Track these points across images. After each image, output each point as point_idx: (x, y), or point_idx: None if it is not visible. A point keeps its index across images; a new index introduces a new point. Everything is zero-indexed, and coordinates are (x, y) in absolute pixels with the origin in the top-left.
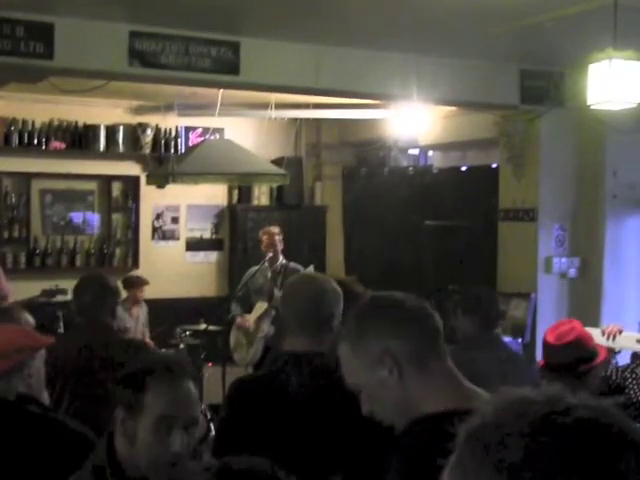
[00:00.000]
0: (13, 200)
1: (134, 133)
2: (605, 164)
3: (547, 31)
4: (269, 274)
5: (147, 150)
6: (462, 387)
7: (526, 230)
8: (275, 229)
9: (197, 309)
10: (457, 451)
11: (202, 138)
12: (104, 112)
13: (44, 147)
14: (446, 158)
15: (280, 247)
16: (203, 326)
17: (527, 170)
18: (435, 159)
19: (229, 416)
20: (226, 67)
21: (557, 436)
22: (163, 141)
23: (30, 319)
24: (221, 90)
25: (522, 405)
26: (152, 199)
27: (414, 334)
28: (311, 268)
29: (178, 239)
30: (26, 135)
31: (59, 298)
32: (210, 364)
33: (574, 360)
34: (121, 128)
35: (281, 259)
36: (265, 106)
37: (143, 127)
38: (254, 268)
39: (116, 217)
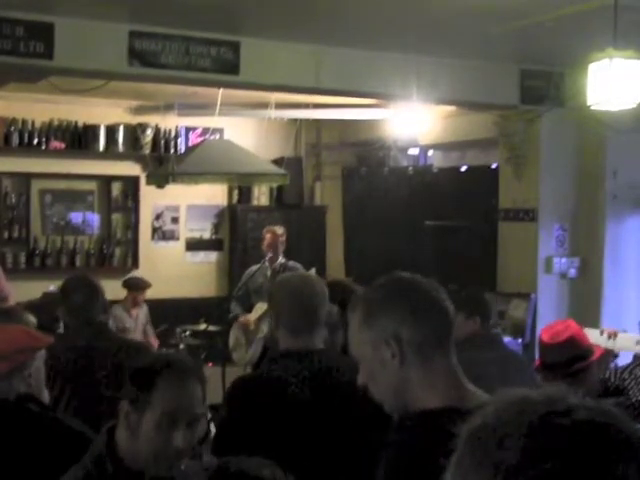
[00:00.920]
0: (13, 200)
1: (134, 133)
2: (605, 164)
3: (547, 31)
4: (269, 273)
5: (147, 150)
6: (461, 386)
7: (526, 230)
8: (279, 230)
9: (197, 309)
10: (457, 451)
11: (202, 138)
12: (104, 112)
13: (44, 147)
14: (446, 158)
15: (282, 248)
16: (203, 326)
17: (527, 170)
18: (435, 159)
19: (229, 415)
20: (226, 67)
21: (555, 438)
22: (163, 141)
23: (32, 319)
24: (221, 90)
25: (522, 406)
26: (152, 199)
27: (426, 325)
28: (312, 271)
29: (178, 239)
30: (26, 135)
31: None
32: (210, 364)
33: (568, 358)
34: (121, 128)
35: (280, 258)
36: (265, 106)
37: (143, 127)
38: (254, 267)
39: (116, 217)
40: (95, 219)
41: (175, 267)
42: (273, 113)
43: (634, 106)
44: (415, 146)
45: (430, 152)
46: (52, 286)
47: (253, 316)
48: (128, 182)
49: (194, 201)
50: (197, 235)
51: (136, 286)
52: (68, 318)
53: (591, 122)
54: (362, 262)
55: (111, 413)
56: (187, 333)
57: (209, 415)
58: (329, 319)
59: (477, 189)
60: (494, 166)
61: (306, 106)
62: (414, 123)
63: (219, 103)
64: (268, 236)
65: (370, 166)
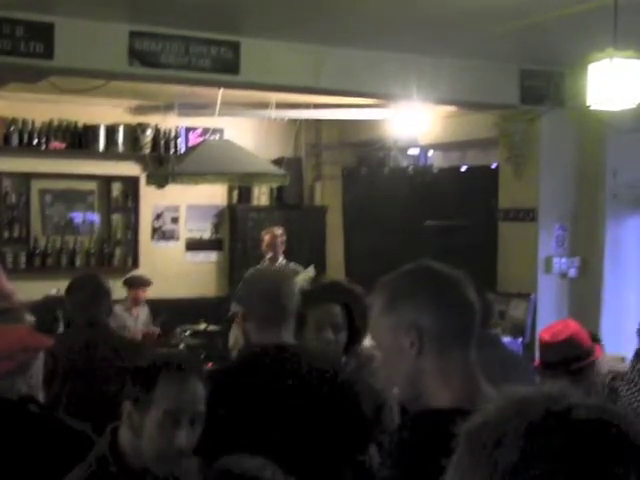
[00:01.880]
0: (13, 200)
1: (134, 133)
2: (605, 164)
3: (547, 31)
4: None
5: (147, 150)
6: (475, 386)
7: (526, 230)
8: (278, 230)
9: (197, 309)
10: (457, 451)
11: (202, 138)
12: (104, 112)
13: (44, 147)
14: (446, 158)
15: (281, 249)
16: (203, 326)
17: (527, 170)
18: (435, 159)
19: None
20: (226, 67)
21: (554, 437)
22: (163, 141)
23: (29, 319)
24: (221, 90)
25: (521, 405)
26: (152, 199)
27: (447, 318)
28: (311, 269)
29: (178, 239)
30: (26, 135)
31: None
32: (210, 364)
33: (567, 358)
34: (121, 128)
35: (281, 260)
36: (265, 106)
37: (143, 127)
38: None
39: (116, 217)
40: (95, 219)
41: (175, 267)
42: (273, 113)
43: (634, 106)
44: (415, 146)
45: (430, 152)
46: (54, 289)
47: None
48: (128, 182)
49: (194, 201)
50: (197, 235)
51: (137, 282)
52: (71, 316)
53: (591, 122)
54: (362, 262)
55: (111, 414)
56: (187, 333)
57: None
58: (332, 319)
59: (477, 189)
60: (494, 166)
61: (306, 106)
62: (414, 123)
63: (219, 103)
64: (267, 237)
65: (370, 166)
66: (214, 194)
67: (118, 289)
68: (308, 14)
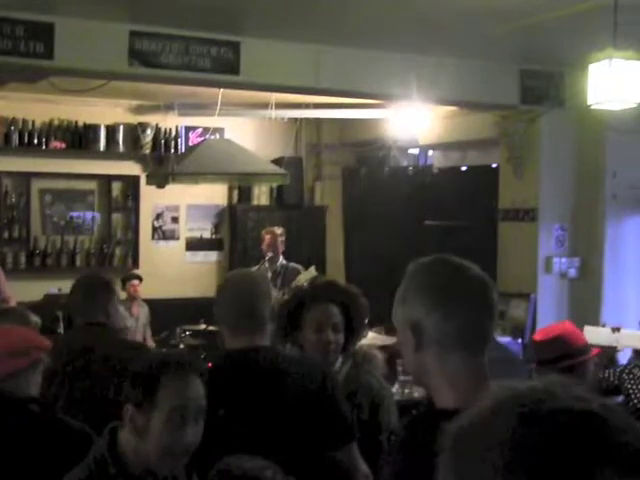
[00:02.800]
0: (13, 200)
1: (134, 133)
2: (605, 164)
3: (547, 31)
4: (269, 275)
5: (147, 150)
6: (482, 387)
7: (526, 230)
8: (278, 230)
9: (197, 309)
10: (445, 451)
11: (202, 138)
12: (104, 112)
13: (44, 147)
14: (446, 158)
15: (281, 248)
16: (203, 326)
17: (527, 170)
18: (435, 159)
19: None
20: (226, 67)
21: (542, 436)
22: (163, 141)
23: (36, 319)
24: (221, 90)
25: (509, 402)
26: (152, 199)
27: (451, 322)
28: (312, 269)
29: (178, 239)
30: (26, 135)
31: (61, 299)
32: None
33: (557, 356)
34: (121, 128)
35: (281, 259)
36: (265, 106)
37: (143, 127)
38: (253, 269)
39: (116, 217)
40: (95, 219)
41: (175, 267)
42: (273, 113)
43: (634, 106)
44: (415, 146)
45: (430, 152)
46: (53, 288)
47: None
48: (128, 182)
49: (194, 201)
50: (197, 235)
51: (129, 276)
52: (73, 316)
53: (591, 122)
54: (362, 262)
55: (111, 414)
56: (187, 333)
57: None
58: (331, 319)
59: (477, 189)
60: (494, 166)
61: (306, 106)
62: (414, 123)
63: (219, 103)
64: (268, 237)
65: (370, 166)
66: (214, 194)
67: (118, 289)
68: (308, 14)
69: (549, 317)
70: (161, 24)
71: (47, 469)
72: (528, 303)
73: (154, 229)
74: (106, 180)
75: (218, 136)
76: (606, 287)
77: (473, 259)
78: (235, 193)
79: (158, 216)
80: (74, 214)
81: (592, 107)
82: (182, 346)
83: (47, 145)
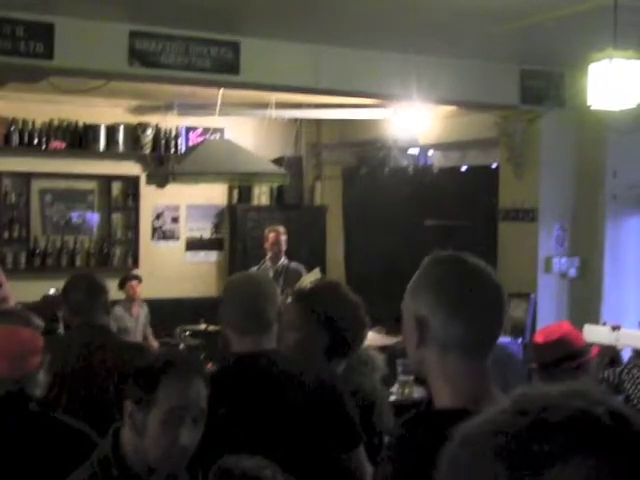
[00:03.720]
0: (13, 200)
1: (134, 133)
2: (605, 164)
3: (547, 31)
4: (271, 274)
5: (147, 150)
6: (482, 389)
7: (526, 230)
8: (281, 229)
9: (197, 309)
10: (449, 453)
11: (202, 138)
12: (104, 112)
13: (44, 147)
14: (446, 158)
15: (284, 247)
16: (203, 326)
17: (527, 170)
18: (435, 159)
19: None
20: (226, 67)
21: (546, 440)
22: (163, 141)
23: (39, 322)
24: (221, 90)
25: (517, 407)
26: (152, 199)
27: (453, 326)
28: (317, 271)
29: (178, 239)
30: (26, 135)
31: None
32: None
33: (559, 358)
34: (121, 128)
35: (283, 259)
36: (265, 106)
37: (143, 127)
38: (253, 269)
39: (116, 217)
40: (95, 219)
41: (175, 267)
42: (273, 113)
43: (634, 106)
44: (415, 146)
45: (430, 152)
46: (52, 289)
47: None
48: (128, 182)
49: (194, 201)
50: (197, 235)
51: (128, 277)
52: (69, 317)
53: (591, 122)
54: (362, 262)
55: (111, 414)
56: (187, 333)
57: None
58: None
59: (477, 189)
60: (494, 166)
61: (306, 106)
62: (414, 123)
63: (219, 103)
64: (271, 235)
65: (370, 166)
66: (214, 194)
67: (118, 289)
68: (308, 14)
69: (549, 317)
70: (161, 24)
71: (47, 469)
72: (528, 303)
73: (154, 229)
74: (106, 180)
75: (218, 136)
76: (606, 287)
77: None
78: (235, 193)
79: (158, 216)
80: (74, 214)
81: (592, 107)
82: (182, 346)
83: (47, 145)
